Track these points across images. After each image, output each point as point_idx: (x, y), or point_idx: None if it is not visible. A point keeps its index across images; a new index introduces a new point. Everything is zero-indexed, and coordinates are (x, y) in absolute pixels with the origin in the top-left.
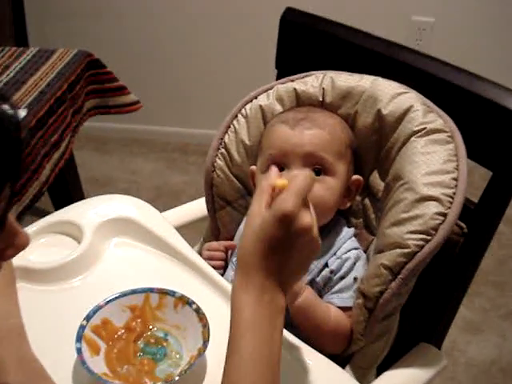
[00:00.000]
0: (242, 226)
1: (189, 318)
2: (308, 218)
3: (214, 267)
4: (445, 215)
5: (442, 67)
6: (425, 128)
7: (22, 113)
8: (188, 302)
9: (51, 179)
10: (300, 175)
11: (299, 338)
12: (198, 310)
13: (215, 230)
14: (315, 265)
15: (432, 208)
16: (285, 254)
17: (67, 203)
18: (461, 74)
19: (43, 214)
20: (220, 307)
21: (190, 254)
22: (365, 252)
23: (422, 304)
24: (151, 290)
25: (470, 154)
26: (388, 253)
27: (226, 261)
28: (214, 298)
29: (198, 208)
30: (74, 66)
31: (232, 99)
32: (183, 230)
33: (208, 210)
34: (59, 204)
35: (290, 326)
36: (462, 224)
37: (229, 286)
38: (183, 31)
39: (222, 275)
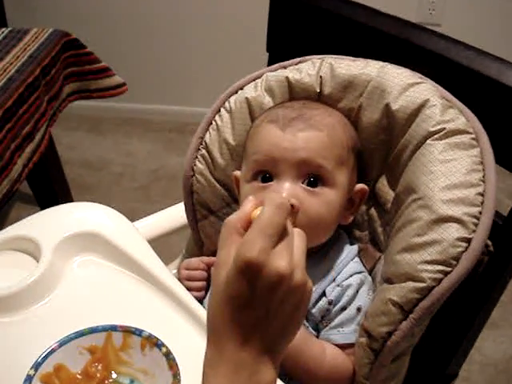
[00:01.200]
0: None
1: (157, 363)
2: (282, 262)
3: (194, 289)
4: (468, 241)
5: (466, 52)
6: (443, 128)
7: None
8: (157, 344)
9: (24, 175)
10: (267, 204)
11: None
12: (168, 355)
13: (198, 241)
14: None
15: (453, 232)
16: (260, 312)
17: (49, 193)
18: (489, 60)
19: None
20: (196, 345)
21: (164, 277)
22: (370, 272)
23: (436, 335)
24: (114, 329)
25: (500, 160)
26: (398, 286)
27: (209, 281)
28: (189, 332)
29: (179, 214)
30: (48, 47)
31: (234, 75)
32: (165, 238)
33: (189, 220)
34: (40, 194)
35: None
36: (488, 241)
37: None
38: (178, 3)
39: (203, 298)
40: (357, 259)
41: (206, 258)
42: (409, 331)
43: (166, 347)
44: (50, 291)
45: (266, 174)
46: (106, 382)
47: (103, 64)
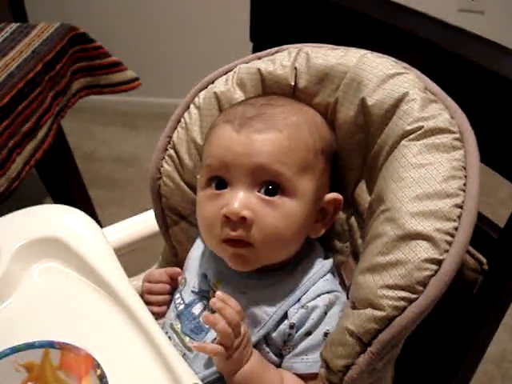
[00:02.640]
0: (193, 249)
1: None
2: None
3: (153, 304)
4: (439, 263)
5: (457, 37)
6: (421, 127)
7: None
8: (92, 365)
9: (25, 173)
10: None
11: None
12: (102, 379)
13: (171, 248)
14: (270, 315)
15: (420, 251)
16: None
17: (62, 188)
18: (487, 47)
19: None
20: (138, 368)
21: (124, 290)
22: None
23: (427, 367)
24: (51, 345)
25: (492, 163)
26: (357, 313)
27: (172, 293)
28: (136, 354)
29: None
30: (52, 42)
31: None
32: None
33: (159, 226)
34: (53, 190)
35: None
36: (481, 257)
37: (163, 340)
38: None
39: (164, 315)
40: (329, 276)
41: (169, 269)
42: (367, 367)
43: (101, 369)
44: (3, 299)
45: (220, 181)
46: None
47: (114, 58)
